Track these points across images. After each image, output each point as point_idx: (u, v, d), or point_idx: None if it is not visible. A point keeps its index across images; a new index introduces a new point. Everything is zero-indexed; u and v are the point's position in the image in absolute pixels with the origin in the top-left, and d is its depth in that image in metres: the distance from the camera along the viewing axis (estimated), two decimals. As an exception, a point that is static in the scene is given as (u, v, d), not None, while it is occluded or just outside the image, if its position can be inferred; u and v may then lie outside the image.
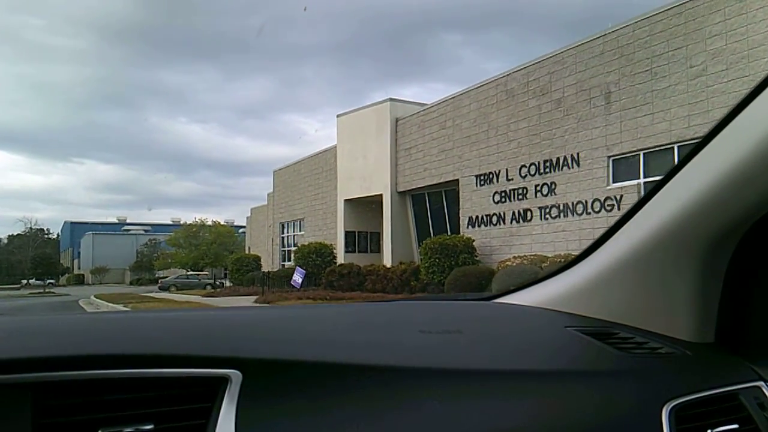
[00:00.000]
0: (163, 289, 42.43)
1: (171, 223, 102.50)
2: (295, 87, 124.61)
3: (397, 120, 22.61)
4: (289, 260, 31.76)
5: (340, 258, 24.80)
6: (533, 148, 16.64)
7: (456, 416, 0.94)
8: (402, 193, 22.56)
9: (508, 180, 17.47)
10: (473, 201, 18.79)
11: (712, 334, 1.26)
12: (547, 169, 16.18)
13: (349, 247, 25.22)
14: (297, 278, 17.86)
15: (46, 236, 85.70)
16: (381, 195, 22.93)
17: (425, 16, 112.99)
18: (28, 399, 0.81)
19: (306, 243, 25.79)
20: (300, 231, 30.63)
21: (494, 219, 17.91)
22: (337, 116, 25.50)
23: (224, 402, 0.87)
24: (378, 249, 25.67)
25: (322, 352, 1.01)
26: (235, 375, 0.89)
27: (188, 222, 71.43)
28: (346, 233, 25.27)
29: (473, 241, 17.77)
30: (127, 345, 0.94)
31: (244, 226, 70.87)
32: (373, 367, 0.98)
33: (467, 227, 18.78)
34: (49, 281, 67.36)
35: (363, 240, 25.69)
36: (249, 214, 49.04)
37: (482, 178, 18.44)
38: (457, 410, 0.95)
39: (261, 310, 1.78)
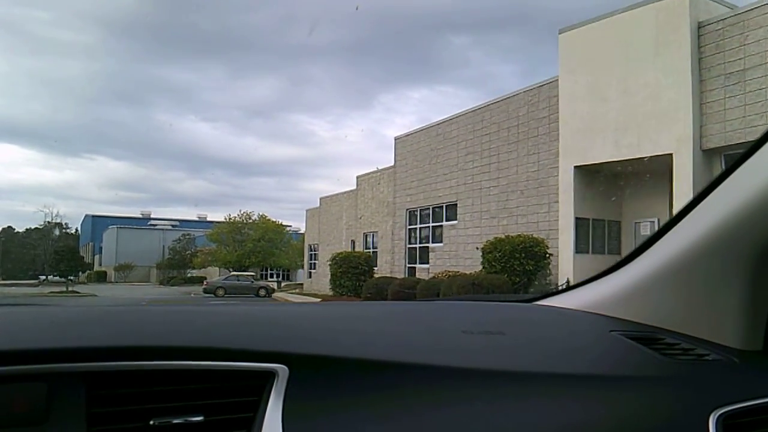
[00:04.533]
0: (208, 292, 35.31)
1: (197, 219, 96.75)
2: (302, 86, 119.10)
3: (699, 25, 13.09)
4: (423, 261, 22.30)
5: (566, 260, 15.26)
6: None
7: (497, 418, 0.93)
8: (709, 152, 13.03)
9: None
10: None
11: (761, 341, 1.22)
12: None
13: (582, 243, 15.53)
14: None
15: (64, 230, 78.35)
16: (658, 157, 13.42)
17: (434, 17, 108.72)
18: (82, 388, 0.83)
19: (501, 236, 16.22)
20: (451, 220, 21.10)
21: None
22: (560, 32, 15.95)
23: (271, 396, 0.89)
24: (617, 248, 16.05)
25: (367, 350, 1.02)
26: (282, 370, 0.91)
27: (232, 216, 62.32)
28: (578, 222, 15.56)
29: None
30: (179, 337, 0.96)
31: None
32: (417, 366, 0.98)
33: None
34: (69, 278, 59.58)
35: (599, 233, 16.02)
36: (316, 205, 40.08)
37: None
38: (499, 412, 0.94)
39: (307, 307, 1.60)
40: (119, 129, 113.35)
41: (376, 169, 29.28)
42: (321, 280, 37.82)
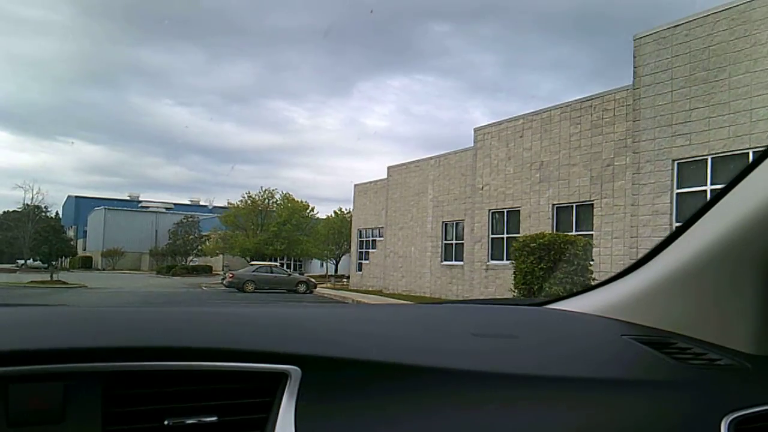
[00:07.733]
0: (233, 285, 28.14)
1: (189, 203, 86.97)
2: (281, 72, 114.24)
3: None
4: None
5: None
6: None
7: (509, 421, 0.93)
8: None
9: None
10: None
11: None
12: None
13: None
14: None
15: (44, 213, 67.62)
16: None
17: (413, 3, 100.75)
18: (98, 388, 0.84)
19: None
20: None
21: None
22: None
23: (284, 397, 0.90)
24: None
25: (378, 352, 1.02)
26: (294, 371, 0.92)
27: (252, 194, 51.30)
28: None
29: None
30: (193, 338, 0.97)
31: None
32: (428, 369, 0.98)
33: None
34: (52, 263, 48.98)
35: None
36: (377, 178, 30.06)
37: None
38: (510, 415, 0.94)
39: (319, 309, 1.65)
40: (95, 111, 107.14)
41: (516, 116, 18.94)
42: (390, 276, 27.43)
